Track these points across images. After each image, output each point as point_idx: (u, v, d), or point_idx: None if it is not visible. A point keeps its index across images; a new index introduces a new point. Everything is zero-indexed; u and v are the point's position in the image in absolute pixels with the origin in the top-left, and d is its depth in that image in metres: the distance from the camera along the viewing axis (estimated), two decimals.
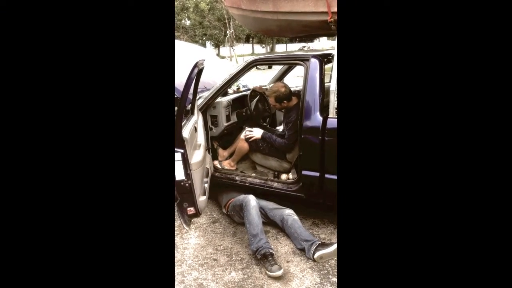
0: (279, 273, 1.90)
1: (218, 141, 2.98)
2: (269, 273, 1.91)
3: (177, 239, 2.34)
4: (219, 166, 2.78)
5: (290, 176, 2.55)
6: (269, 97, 2.52)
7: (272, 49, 31.78)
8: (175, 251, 2.21)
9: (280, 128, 2.74)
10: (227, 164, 2.78)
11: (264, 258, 2.00)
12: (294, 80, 4.52)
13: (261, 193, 2.56)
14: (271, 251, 2.01)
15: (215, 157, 2.89)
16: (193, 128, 2.09)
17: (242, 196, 2.38)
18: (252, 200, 2.29)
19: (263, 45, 33.22)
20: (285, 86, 2.49)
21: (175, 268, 2.04)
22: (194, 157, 1.97)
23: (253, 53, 29.24)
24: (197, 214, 1.93)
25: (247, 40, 32.73)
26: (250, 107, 2.79)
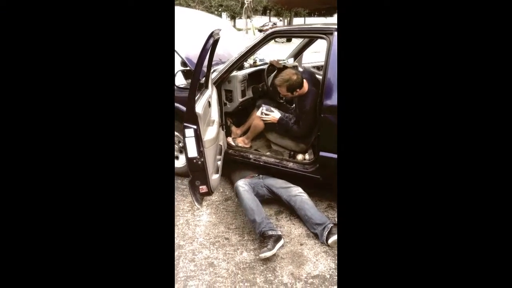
0: (265, 254, 1.80)
1: (232, 117, 2.87)
2: (259, 255, 1.83)
3: (188, 216, 2.30)
4: (232, 143, 2.70)
5: (307, 156, 2.45)
6: (280, 87, 2.31)
7: (290, 23, 30.75)
8: (187, 228, 2.18)
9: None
10: (241, 142, 2.69)
11: (262, 239, 1.94)
12: (312, 56, 4.31)
13: (276, 172, 2.48)
14: (270, 232, 1.93)
15: (228, 133, 2.80)
16: (206, 103, 1.99)
17: (236, 183, 2.30)
18: (241, 186, 2.20)
19: (281, 18, 32.13)
20: (296, 73, 2.29)
21: (186, 245, 2.01)
22: (207, 133, 1.88)
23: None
24: (209, 192, 1.87)
25: (264, 13, 31.69)
26: (267, 83, 2.65)
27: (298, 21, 34.66)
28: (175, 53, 2.47)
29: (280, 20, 32.51)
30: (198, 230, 2.16)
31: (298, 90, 2.28)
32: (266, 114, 2.45)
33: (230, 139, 2.72)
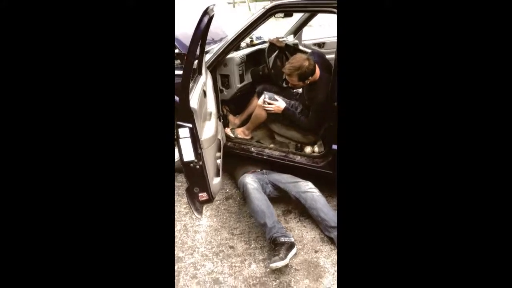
0: (277, 264, 1.58)
1: (228, 105, 2.57)
2: (270, 264, 1.60)
3: (186, 220, 2.05)
4: (231, 135, 2.41)
5: (316, 149, 2.19)
6: (290, 76, 1.99)
7: None
8: (186, 235, 1.93)
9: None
10: (241, 133, 2.40)
11: (273, 246, 1.72)
12: (317, 30, 3.95)
13: (281, 166, 2.22)
14: (282, 239, 1.71)
15: (226, 124, 2.51)
16: (201, 93, 1.69)
17: (241, 178, 2.04)
18: (249, 183, 1.94)
19: None
20: (308, 58, 1.95)
21: (186, 257, 1.77)
22: (205, 131, 1.60)
23: None
24: (210, 199, 1.60)
25: None
26: (268, 65, 2.34)
27: None
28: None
29: None
30: (198, 238, 1.91)
31: (310, 77, 1.97)
32: (269, 103, 2.15)
33: (228, 130, 2.43)
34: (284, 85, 2.42)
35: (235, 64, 2.24)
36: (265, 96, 2.18)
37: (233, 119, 2.53)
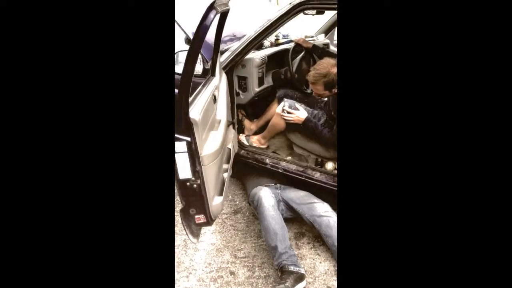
0: None
1: (245, 109, 2.35)
2: None
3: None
4: (245, 143, 2.20)
5: None
6: (314, 84, 1.75)
7: None
8: (184, 253, 1.75)
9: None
10: (256, 141, 2.18)
11: (280, 273, 1.53)
12: None
13: (298, 182, 1.99)
14: (292, 268, 1.51)
15: (240, 130, 2.30)
16: (210, 99, 1.49)
17: (256, 189, 1.82)
18: (265, 198, 1.73)
19: None
20: (337, 64, 1.70)
21: (181, 279, 1.59)
22: (208, 144, 1.39)
23: None
24: (208, 222, 1.40)
25: None
26: (291, 68, 2.09)
27: None
28: (176, 24, 1.92)
29: None
30: (197, 257, 1.73)
31: (336, 87, 1.71)
32: (288, 113, 1.91)
33: (242, 137, 2.22)
34: (309, 91, 2.17)
35: (255, 66, 2.01)
36: (285, 103, 1.94)
37: (249, 125, 2.31)
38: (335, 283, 1.57)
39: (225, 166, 1.72)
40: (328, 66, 1.67)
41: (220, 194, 1.52)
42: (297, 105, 1.94)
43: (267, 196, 1.75)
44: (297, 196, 1.87)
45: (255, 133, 2.29)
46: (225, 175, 1.68)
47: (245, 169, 2.22)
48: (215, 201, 1.45)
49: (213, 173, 1.41)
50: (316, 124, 1.86)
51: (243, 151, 2.15)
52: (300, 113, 1.89)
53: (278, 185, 1.98)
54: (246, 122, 2.32)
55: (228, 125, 1.79)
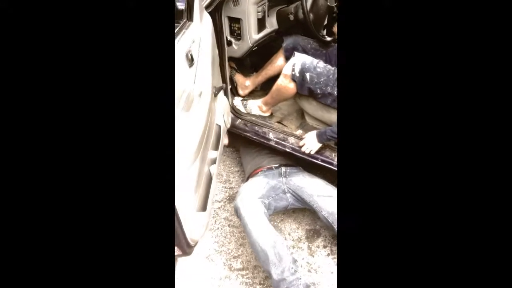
0: None
1: (236, 62, 1.78)
2: None
3: None
4: (242, 110, 1.67)
5: None
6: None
7: None
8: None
9: None
10: (258, 107, 1.65)
11: None
12: None
13: (309, 165, 1.53)
14: None
15: (234, 92, 1.76)
16: (184, 62, 0.95)
17: (238, 199, 1.34)
18: (247, 205, 1.29)
19: None
20: None
21: None
22: (178, 145, 0.88)
23: None
24: (186, 253, 0.96)
25: None
26: (305, 3, 1.45)
27: None
28: None
29: None
30: (179, 271, 1.34)
31: None
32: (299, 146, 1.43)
33: (237, 101, 1.69)
34: (329, 38, 1.55)
35: (252, 2, 1.39)
36: (294, 62, 1.37)
37: (243, 80, 1.75)
38: None
39: (212, 155, 1.23)
40: None
41: (203, 208, 1.05)
42: (306, 136, 1.45)
43: (248, 206, 1.28)
44: (310, 184, 1.42)
45: (252, 93, 1.76)
46: (213, 169, 1.20)
47: (242, 141, 1.75)
48: (194, 221, 0.98)
49: (192, 182, 0.92)
50: (332, 135, 1.34)
51: (239, 121, 1.64)
52: (310, 144, 1.43)
53: (283, 169, 1.52)
54: (239, 77, 1.75)
55: (215, 95, 1.26)
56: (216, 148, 1.27)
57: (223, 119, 1.39)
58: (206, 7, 1.31)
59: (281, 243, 1.20)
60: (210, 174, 1.18)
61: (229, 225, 1.52)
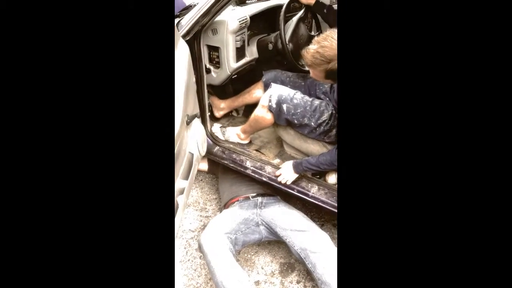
0: None
1: (220, 89, 1.77)
2: None
3: None
4: (221, 137, 1.65)
5: None
6: (312, 67, 1.18)
7: None
8: None
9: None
10: (236, 135, 1.63)
11: None
12: None
13: (287, 194, 1.49)
14: None
15: (213, 117, 1.75)
16: None
17: (202, 235, 1.29)
18: (210, 241, 1.24)
19: None
20: None
21: None
22: None
23: None
24: None
25: None
26: (284, 34, 1.46)
27: None
28: None
29: None
30: None
31: None
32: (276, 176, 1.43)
33: (216, 128, 1.67)
34: (307, 68, 1.56)
35: (230, 32, 1.40)
36: (271, 93, 1.36)
37: (218, 102, 1.74)
38: None
39: (180, 184, 1.19)
40: (333, 45, 1.08)
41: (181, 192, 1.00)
42: (284, 166, 1.42)
43: (212, 239, 1.24)
44: (284, 217, 1.38)
45: (226, 115, 1.75)
46: (180, 200, 1.16)
47: (220, 169, 1.71)
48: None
49: None
50: (317, 163, 1.30)
51: (217, 148, 1.61)
52: (285, 175, 1.40)
53: (260, 198, 1.48)
54: (214, 99, 1.74)
55: (188, 123, 1.23)
56: (186, 177, 1.23)
57: (197, 147, 1.36)
58: (184, 35, 1.31)
59: (246, 282, 1.14)
60: (177, 205, 1.14)
61: (200, 257, 1.46)
